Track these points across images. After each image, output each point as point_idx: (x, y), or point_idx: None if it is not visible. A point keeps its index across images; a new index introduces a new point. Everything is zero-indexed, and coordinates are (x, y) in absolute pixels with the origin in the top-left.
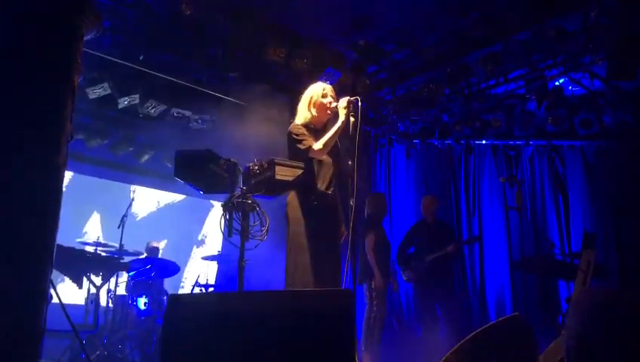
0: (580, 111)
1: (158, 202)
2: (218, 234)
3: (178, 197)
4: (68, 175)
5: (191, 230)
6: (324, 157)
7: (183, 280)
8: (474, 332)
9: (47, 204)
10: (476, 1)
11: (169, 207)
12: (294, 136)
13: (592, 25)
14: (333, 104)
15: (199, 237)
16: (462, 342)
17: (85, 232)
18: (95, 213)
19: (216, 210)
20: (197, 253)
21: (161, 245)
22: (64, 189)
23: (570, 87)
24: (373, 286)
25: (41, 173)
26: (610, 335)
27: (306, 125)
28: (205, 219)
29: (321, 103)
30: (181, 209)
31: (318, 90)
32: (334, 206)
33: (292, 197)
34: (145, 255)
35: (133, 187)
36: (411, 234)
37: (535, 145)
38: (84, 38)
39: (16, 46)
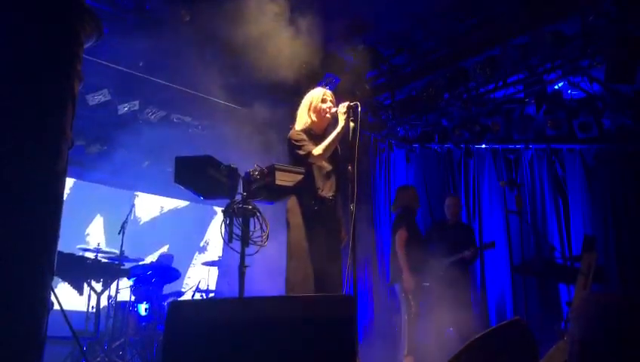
0: (579, 114)
1: (162, 208)
2: (220, 241)
3: (182, 203)
4: (71, 181)
5: (193, 236)
6: (324, 163)
7: (184, 285)
8: (475, 337)
9: (47, 212)
10: (474, 6)
11: (172, 212)
12: (294, 142)
13: (590, 28)
14: (333, 109)
15: (201, 244)
16: (463, 346)
17: (88, 234)
18: (98, 218)
19: (220, 217)
20: (199, 259)
21: (164, 250)
22: (69, 193)
23: (569, 91)
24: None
25: (42, 181)
26: (614, 341)
27: (305, 130)
28: (208, 226)
29: (321, 108)
30: (184, 215)
31: (317, 96)
32: (335, 211)
33: (292, 202)
34: (150, 261)
35: (137, 193)
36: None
37: (534, 149)
38: (85, 46)
39: (16, 54)
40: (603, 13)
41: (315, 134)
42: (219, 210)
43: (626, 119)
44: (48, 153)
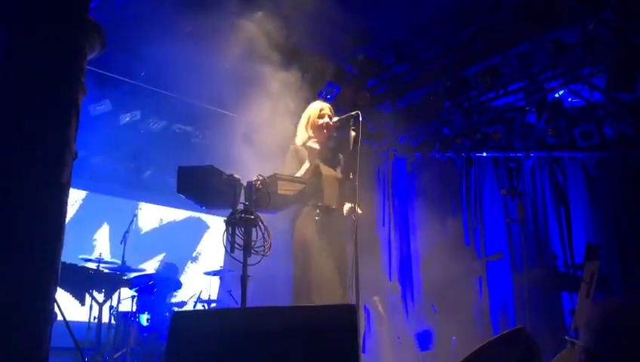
0: (580, 122)
1: (161, 220)
2: (211, 252)
3: (179, 216)
4: (81, 192)
5: (187, 247)
6: (328, 172)
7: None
8: (478, 346)
9: (52, 223)
10: (475, 15)
11: (170, 224)
12: (285, 160)
13: (591, 37)
14: (335, 118)
15: (193, 254)
16: (467, 356)
17: (95, 239)
18: (105, 228)
19: (212, 230)
20: (191, 268)
21: (160, 258)
22: (81, 204)
23: (569, 99)
24: None
25: (46, 192)
26: (621, 348)
27: (304, 145)
28: (201, 238)
29: (318, 125)
30: (180, 227)
31: (314, 111)
32: (337, 220)
33: (296, 212)
34: (151, 271)
35: (141, 204)
36: None
37: (536, 157)
38: (88, 58)
39: (20, 65)
40: (603, 21)
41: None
42: (212, 223)
43: (627, 127)
44: (53, 164)
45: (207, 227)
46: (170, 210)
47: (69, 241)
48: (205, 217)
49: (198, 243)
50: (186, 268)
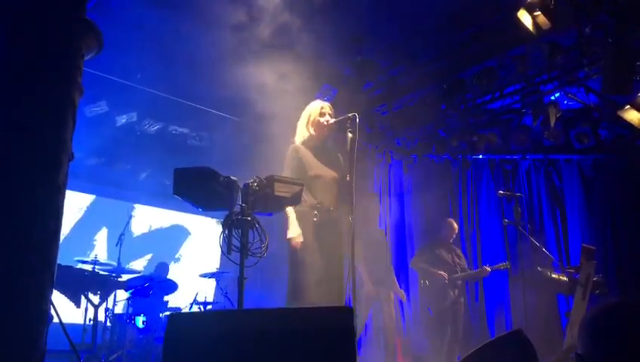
0: (576, 125)
1: (151, 225)
2: (207, 253)
3: (166, 223)
4: (88, 197)
5: (183, 248)
6: (325, 173)
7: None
8: (475, 349)
9: (48, 224)
10: (471, 18)
11: (159, 229)
12: (286, 159)
13: (587, 40)
14: (331, 120)
15: (190, 256)
16: (463, 359)
17: (95, 239)
18: (102, 230)
19: (193, 237)
20: (186, 270)
21: (148, 258)
22: (83, 210)
23: (565, 102)
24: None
25: (43, 193)
26: (608, 349)
27: (305, 143)
28: (197, 240)
29: (319, 122)
30: (173, 228)
31: (315, 109)
32: (335, 221)
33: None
34: (143, 272)
35: (136, 206)
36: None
37: (532, 160)
38: (85, 58)
39: (17, 66)
40: (599, 24)
41: (315, 146)
42: (193, 230)
43: (622, 130)
44: (49, 165)
45: (203, 229)
46: (165, 212)
47: (71, 245)
48: (200, 219)
49: (195, 245)
50: (181, 270)
